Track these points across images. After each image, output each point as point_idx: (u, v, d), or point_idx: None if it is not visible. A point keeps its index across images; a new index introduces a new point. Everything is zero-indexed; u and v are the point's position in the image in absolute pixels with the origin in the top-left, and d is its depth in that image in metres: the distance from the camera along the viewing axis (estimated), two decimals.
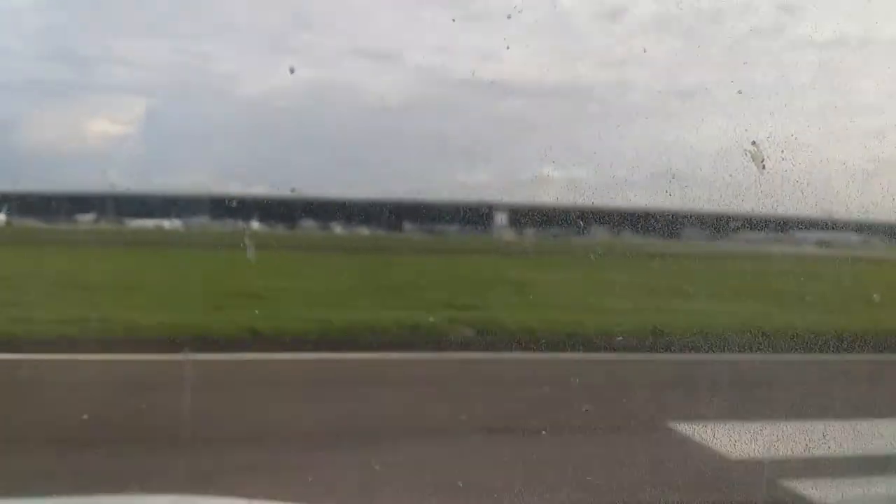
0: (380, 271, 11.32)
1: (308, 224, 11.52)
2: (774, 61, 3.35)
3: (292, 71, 3.83)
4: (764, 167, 3.36)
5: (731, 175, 3.49)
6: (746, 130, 3.38)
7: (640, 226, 4.78)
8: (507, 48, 3.56)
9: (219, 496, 2.60)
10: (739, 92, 3.40)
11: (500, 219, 10.81)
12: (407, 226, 11.27)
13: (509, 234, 12.02)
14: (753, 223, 4.58)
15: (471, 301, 9.88)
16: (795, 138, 3.33)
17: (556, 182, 3.98)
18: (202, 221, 11.76)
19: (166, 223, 11.90)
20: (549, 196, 4.08)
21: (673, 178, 3.52)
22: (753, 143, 3.36)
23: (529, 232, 11.30)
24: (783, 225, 5.18)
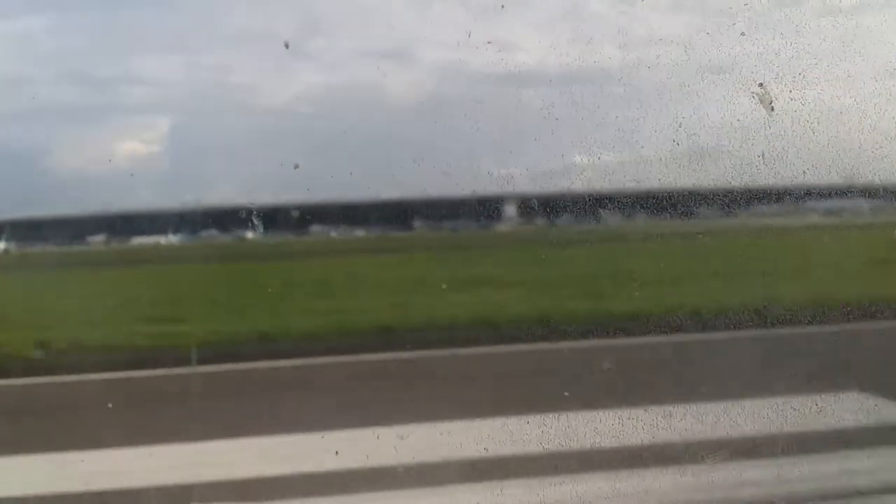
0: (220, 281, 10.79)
1: (316, 228, 11.52)
2: (798, 28, 3.30)
3: (287, 46, 3.74)
4: (773, 109, 3.32)
5: (738, 119, 3.45)
6: (752, 72, 3.34)
7: (657, 207, 4.73)
8: (526, 35, 3.55)
9: None
10: (746, 33, 3.36)
11: (510, 211, 10.79)
12: (417, 224, 11.25)
13: (508, 227, 11.97)
14: (777, 195, 4.53)
15: (205, 312, 9.35)
16: (802, 75, 3.29)
17: (584, 168, 3.95)
18: (211, 234, 11.80)
19: (162, 239, 11.92)
20: (578, 183, 4.05)
21: (680, 127, 3.49)
22: (760, 84, 3.32)
23: (540, 222, 11.28)
24: (800, 195, 5.15)
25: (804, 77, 3.25)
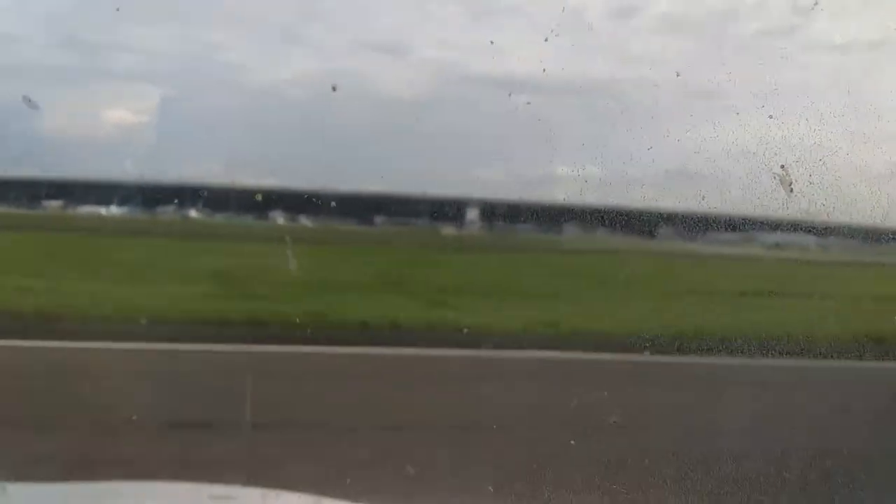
0: None
1: (275, 214, 11.32)
2: (789, 60, 3.36)
3: (335, 89, 3.56)
4: (792, 190, 3.37)
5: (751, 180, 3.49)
6: (775, 154, 3.39)
7: (614, 223, 4.75)
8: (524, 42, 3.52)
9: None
10: (761, 105, 3.40)
11: (472, 214, 10.90)
12: (380, 219, 11.18)
13: (450, 230, 12.15)
14: (729, 223, 4.56)
15: None
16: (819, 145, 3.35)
17: (565, 179, 3.95)
18: (164, 210, 11.49)
19: (103, 210, 11.55)
20: (559, 193, 4.05)
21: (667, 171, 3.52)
22: (782, 166, 3.36)
23: (499, 227, 11.43)
24: (758, 225, 5.10)
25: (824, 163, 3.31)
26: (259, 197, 9.78)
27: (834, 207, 3.38)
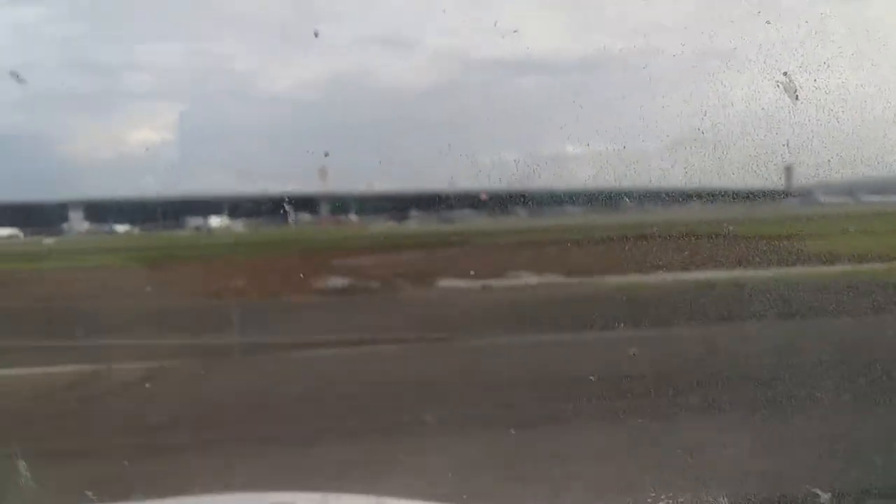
0: None
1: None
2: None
3: (316, 34, 3.47)
4: (797, 98, 3.29)
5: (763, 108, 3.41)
6: (776, 61, 3.30)
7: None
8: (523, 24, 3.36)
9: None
10: (768, 21, 3.30)
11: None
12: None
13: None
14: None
15: None
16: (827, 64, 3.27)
17: (576, 159, 3.80)
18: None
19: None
20: (572, 174, 3.89)
21: (704, 115, 3.40)
22: (785, 73, 3.28)
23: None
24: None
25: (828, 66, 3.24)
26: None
27: (842, 111, 3.31)
